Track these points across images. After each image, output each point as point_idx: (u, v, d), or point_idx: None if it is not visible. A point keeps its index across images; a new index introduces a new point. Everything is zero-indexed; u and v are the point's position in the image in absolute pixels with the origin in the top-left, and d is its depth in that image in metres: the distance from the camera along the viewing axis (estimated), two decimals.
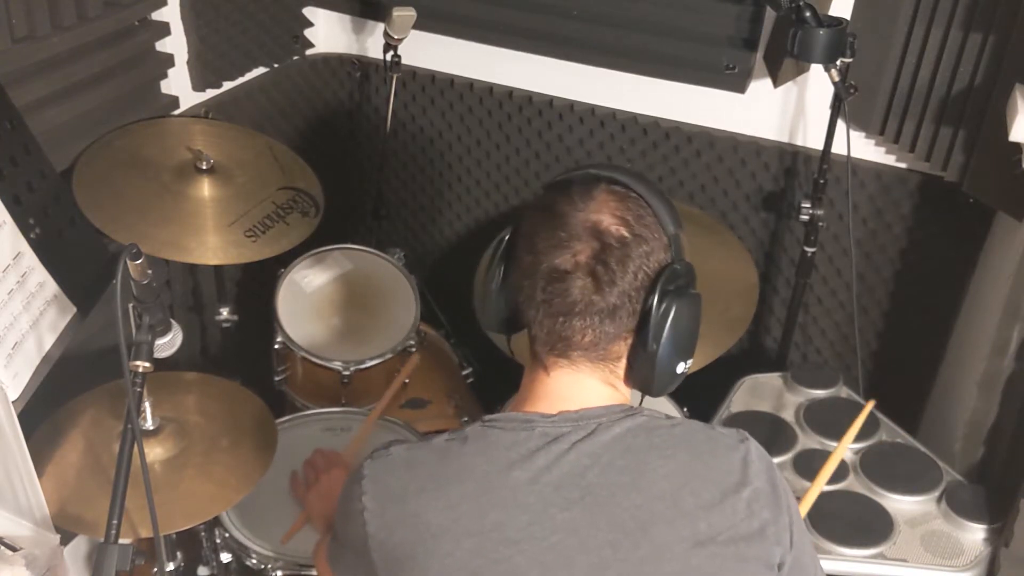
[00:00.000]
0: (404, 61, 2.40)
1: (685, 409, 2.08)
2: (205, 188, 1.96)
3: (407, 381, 2.19)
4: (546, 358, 1.19)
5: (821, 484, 1.66)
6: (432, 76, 2.61)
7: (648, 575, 1.10)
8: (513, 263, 1.23)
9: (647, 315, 1.15)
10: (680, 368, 1.20)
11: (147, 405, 1.63)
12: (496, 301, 1.27)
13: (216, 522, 1.74)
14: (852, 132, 2.08)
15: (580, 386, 1.19)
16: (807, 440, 1.95)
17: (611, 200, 1.16)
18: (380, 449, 1.20)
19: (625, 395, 1.22)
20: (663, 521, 1.11)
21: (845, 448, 1.72)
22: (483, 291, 1.28)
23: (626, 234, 1.14)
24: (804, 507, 1.64)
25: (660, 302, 1.15)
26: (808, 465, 1.88)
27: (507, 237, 1.26)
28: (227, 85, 2.36)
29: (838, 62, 1.92)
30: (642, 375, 1.19)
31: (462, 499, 1.12)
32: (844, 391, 2.09)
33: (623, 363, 1.20)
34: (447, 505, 1.11)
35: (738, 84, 2.22)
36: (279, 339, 2.12)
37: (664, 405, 2.06)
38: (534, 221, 1.19)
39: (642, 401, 1.26)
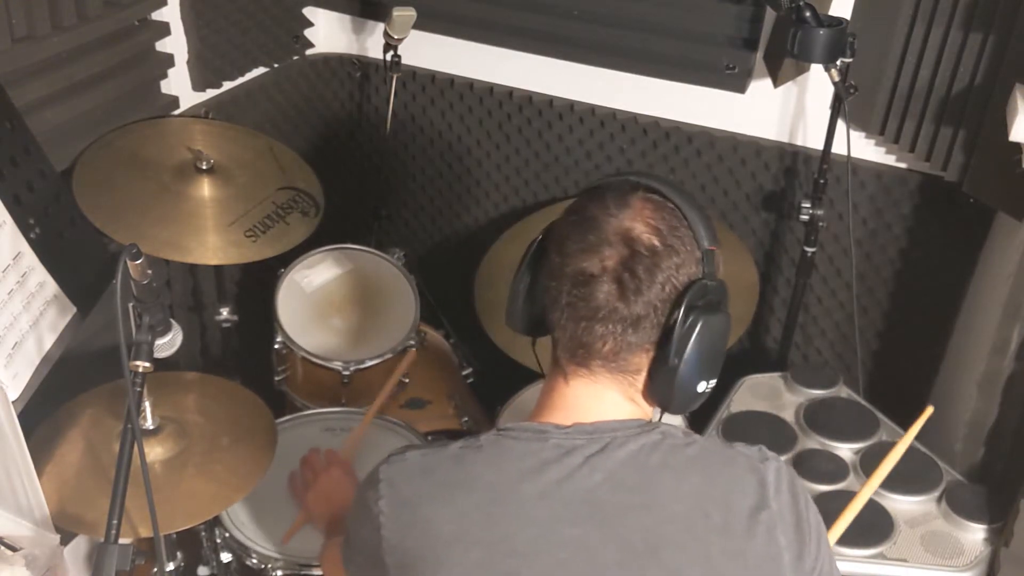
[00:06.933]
0: (404, 61, 2.40)
1: None
2: (205, 188, 1.96)
3: (407, 380, 2.19)
4: (566, 365, 1.17)
5: (852, 514, 1.60)
6: (432, 76, 2.61)
7: None
8: (543, 265, 1.21)
9: (671, 329, 1.12)
10: (701, 387, 1.16)
11: (147, 405, 1.62)
12: (524, 302, 1.26)
13: (216, 522, 1.74)
14: (852, 132, 2.08)
15: (598, 398, 1.17)
16: (807, 440, 1.95)
17: (646, 208, 1.14)
18: (396, 454, 1.18)
19: (646, 410, 1.19)
20: (673, 545, 1.09)
21: (880, 479, 1.64)
22: (512, 291, 1.27)
23: (657, 244, 1.12)
24: (832, 536, 1.58)
25: (686, 317, 1.11)
26: (808, 465, 1.88)
27: (539, 239, 1.24)
28: (227, 85, 2.36)
29: (838, 62, 1.92)
30: (661, 390, 1.16)
31: (472, 508, 1.10)
32: (844, 391, 2.09)
33: (643, 377, 1.16)
34: (458, 513, 1.10)
35: (738, 84, 2.22)
36: (279, 339, 2.12)
37: None
38: (567, 224, 1.16)
39: (661, 417, 1.22)
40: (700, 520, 1.10)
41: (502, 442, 1.15)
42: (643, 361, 1.15)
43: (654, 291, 1.11)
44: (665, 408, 1.19)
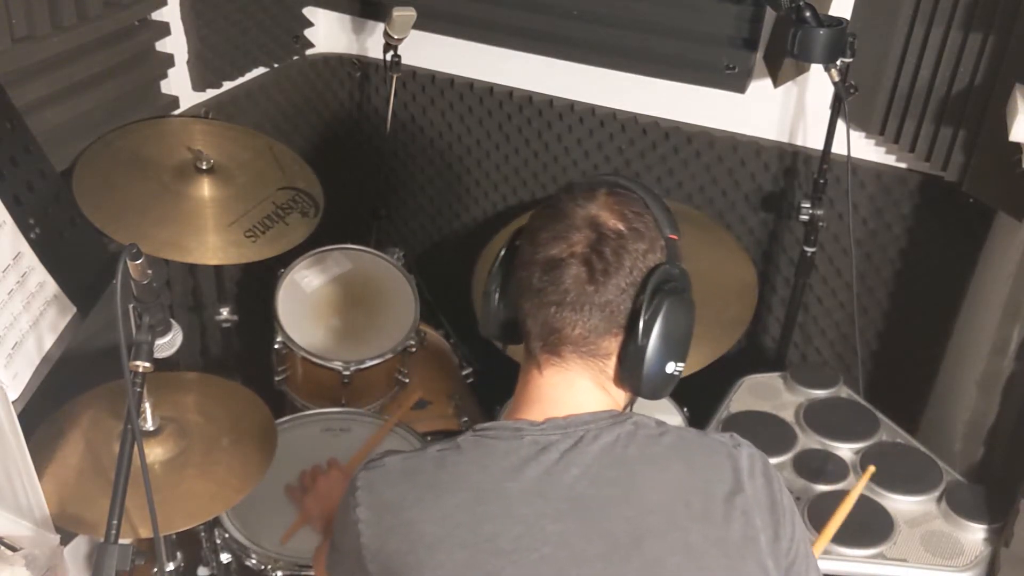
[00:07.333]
0: (404, 61, 2.40)
1: (685, 409, 2.08)
2: (205, 188, 1.96)
3: (407, 380, 2.19)
4: (539, 354, 1.20)
5: (831, 532, 1.65)
6: (432, 76, 2.61)
7: None
8: (516, 264, 1.23)
9: (638, 311, 1.15)
10: (670, 368, 1.18)
11: (147, 405, 1.63)
12: (497, 304, 1.28)
13: (216, 522, 1.74)
14: (852, 132, 2.08)
15: (572, 388, 1.19)
16: (807, 440, 1.95)
17: (611, 199, 1.18)
18: (374, 459, 1.19)
19: (617, 399, 1.22)
20: (655, 535, 1.10)
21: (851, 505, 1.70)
22: (485, 291, 1.29)
23: (623, 228, 1.16)
24: (816, 550, 1.62)
25: (651, 299, 1.15)
26: (808, 465, 1.88)
27: (511, 240, 1.26)
28: (227, 85, 2.36)
29: (838, 62, 1.92)
30: (631, 374, 1.18)
31: (457, 509, 1.11)
32: (844, 391, 2.09)
33: (613, 361, 1.19)
34: (442, 515, 1.11)
35: (738, 84, 2.22)
36: (279, 339, 2.12)
37: (665, 406, 2.06)
38: (538, 218, 1.21)
39: (633, 404, 1.25)
40: (680, 508, 1.12)
41: (482, 442, 1.16)
42: (612, 345, 1.18)
43: (622, 274, 1.15)
44: (636, 392, 1.21)
